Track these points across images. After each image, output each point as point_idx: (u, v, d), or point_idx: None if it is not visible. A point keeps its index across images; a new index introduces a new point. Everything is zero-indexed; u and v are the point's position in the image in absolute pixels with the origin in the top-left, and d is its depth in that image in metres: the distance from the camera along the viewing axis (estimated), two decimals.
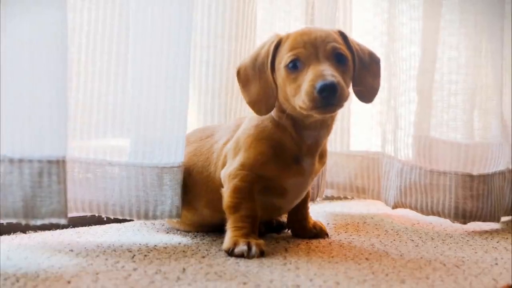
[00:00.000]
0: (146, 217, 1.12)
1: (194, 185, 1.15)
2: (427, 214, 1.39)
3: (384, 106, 1.52)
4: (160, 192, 1.11)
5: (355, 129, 1.62)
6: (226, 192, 1.08)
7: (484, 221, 1.36)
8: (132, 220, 1.27)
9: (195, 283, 0.86)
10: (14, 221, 0.96)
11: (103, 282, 0.85)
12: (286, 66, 1.02)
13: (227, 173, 1.08)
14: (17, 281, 0.84)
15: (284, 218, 1.27)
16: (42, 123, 0.96)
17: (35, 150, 0.95)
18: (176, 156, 1.12)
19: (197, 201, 1.15)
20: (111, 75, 1.13)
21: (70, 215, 1.22)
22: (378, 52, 1.51)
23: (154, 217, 1.12)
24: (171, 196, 1.12)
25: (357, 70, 1.07)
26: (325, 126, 1.09)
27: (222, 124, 1.25)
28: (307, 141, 1.08)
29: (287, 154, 1.07)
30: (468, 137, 1.41)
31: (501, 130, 1.43)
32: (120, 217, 1.13)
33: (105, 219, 1.18)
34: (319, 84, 0.95)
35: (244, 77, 1.08)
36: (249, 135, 1.09)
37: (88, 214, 1.13)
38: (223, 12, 1.33)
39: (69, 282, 0.84)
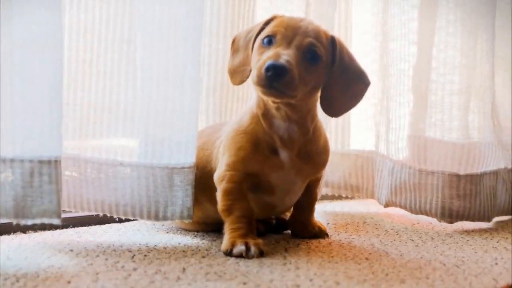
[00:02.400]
0: (156, 218, 1.12)
1: (199, 178, 1.15)
2: (416, 213, 1.40)
3: (378, 106, 1.52)
4: (171, 193, 1.11)
5: (352, 129, 1.61)
6: (218, 196, 1.08)
7: (472, 220, 1.36)
8: (134, 220, 1.27)
9: (195, 283, 0.86)
10: (5, 220, 0.96)
11: (103, 282, 0.85)
12: (261, 40, 1.04)
13: (217, 176, 1.09)
14: (17, 281, 0.84)
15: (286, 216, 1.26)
16: (34, 123, 0.96)
17: (26, 150, 0.95)
18: (187, 156, 1.12)
19: (201, 195, 1.15)
20: (122, 75, 1.13)
21: (72, 215, 1.23)
22: (377, 52, 1.52)
23: (165, 218, 1.12)
24: (181, 197, 1.12)
25: (334, 80, 1.06)
26: (293, 120, 1.07)
27: (228, 121, 1.26)
28: (278, 131, 1.07)
29: (263, 145, 1.07)
30: (459, 137, 1.41)
31: (493, 130, 1.43)
32: (132, 218, 1.13)
33: (116, 219, 1.18)
34: (268, 62, 0.97)
35: (236, 46, 1.12)
36: (229, 132, 1.10)
37: (101, 214, 1.13)
38: (218, 10, 1.33)
39: (69, 282, 0.84)
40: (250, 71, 1.07)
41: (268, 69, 0.96)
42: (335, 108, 1.10)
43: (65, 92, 1.05)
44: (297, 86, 0.99)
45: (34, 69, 0.95)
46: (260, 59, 1.01)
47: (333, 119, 1.55)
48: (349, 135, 1.60)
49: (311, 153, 1.11)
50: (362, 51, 1.57)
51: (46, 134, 0.96)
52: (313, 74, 1.03)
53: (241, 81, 1.10)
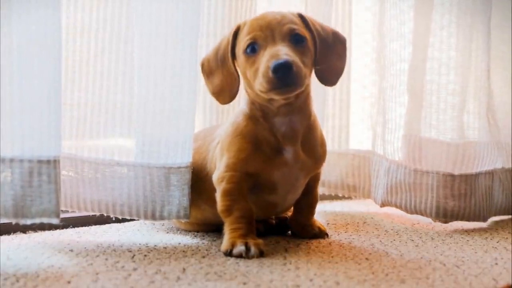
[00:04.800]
0: (153, 217, 1.12)
1: (196, 182, 1.15)
2: (411, 213, 1.39)
3: (375, 106, 1.52)
4: (167, 193, 1.12)
5: (350, 128, 1.61)
6: (217, 196, 1.08)
7: (467, 220, 1.36)
8: (133, 220, 1.27)
9: (195, 283, 0.86)
10: (4, 220, 0.96)
11: (103, 282, 0.85)
12: (245, 51, 1.03)
13: (216, 177, 1.09)
14: (17, 281, 0.84)
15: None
16: (33, 123, 0.96)
17: (25, 150, 0.95)
18: (183, 156, 1.12)
19: (199, 198, 1.15)
20: (119, 75, 1.14)
21: (72, 215, 1.23)
22: (376, 52, 1.52)
23: (162, 218, 1.12)
24: (178, 197, 1.12)
25: (319, 50, 1.07)
26: (296, 111, 1.08)
27: (222, 124, 1.25)
28: (280, 129, 1.07)
29: (265, 146, 1.07)
30: (455, 137, 1.41)
31: (488, 130, 1.43)
32: (128, 217, 1.13)
33: (113, 218, 1.18)
34: (272, 64, 0.96)
35: (208, 69, 1.10)
36: (227, 135, 1.10)
37: (98, 213, 1.14)
38: (215, 11, 1.33)
39: (69, 282, 0.84)
40: (237, 86, 1.07)
41: (276, 70, 0.96)
42: (332, 76, 1.10)
43: (62, 92, 1.05)
44: (305, 74, 0.99)
45: (33, 69, 0.96)
46: (257, 69, 1.00)
47: (330, 119, 1.56)
48: (346, 135, 1.60)
49: (311, 144, 1.11)
50: (362, 51, 1.57)
51: (45, 133, 0.97)
52: (307, 55, 1.04)
53: (231, 99, 1.09)
